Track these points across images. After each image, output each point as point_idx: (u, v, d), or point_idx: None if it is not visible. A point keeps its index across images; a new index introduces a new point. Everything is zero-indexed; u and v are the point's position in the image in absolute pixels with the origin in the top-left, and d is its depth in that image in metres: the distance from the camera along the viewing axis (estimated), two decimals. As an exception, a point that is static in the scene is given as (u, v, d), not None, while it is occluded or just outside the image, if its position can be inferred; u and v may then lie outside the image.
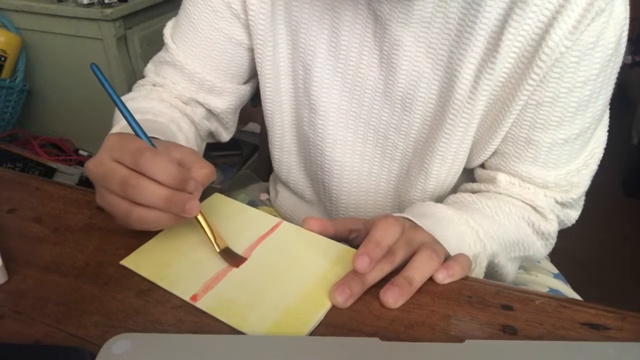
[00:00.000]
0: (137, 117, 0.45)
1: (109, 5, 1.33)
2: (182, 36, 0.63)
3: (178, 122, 0.60)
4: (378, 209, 0.66)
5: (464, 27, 0.51)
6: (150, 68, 0.67)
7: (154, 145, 0.44)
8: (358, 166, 0.64)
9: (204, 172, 0.44)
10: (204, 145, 0.71)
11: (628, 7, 0.49)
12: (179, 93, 0.64)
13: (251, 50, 0.63)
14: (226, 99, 0.66)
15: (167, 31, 0.65)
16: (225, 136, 0.73)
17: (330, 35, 0.57)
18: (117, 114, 0.61)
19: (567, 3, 0.46)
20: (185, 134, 0.60)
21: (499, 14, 0.49)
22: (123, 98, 0.62)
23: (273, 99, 0.64)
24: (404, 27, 0.53)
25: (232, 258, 0.45)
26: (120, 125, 0.55)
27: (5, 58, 1.45)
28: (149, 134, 0.46)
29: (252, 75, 0.68)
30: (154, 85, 0.65)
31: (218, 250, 0.45)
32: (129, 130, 0.46)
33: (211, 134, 0.72)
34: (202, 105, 0.66)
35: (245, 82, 0.68)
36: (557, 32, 0.47)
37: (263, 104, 0.65)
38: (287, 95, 0.64)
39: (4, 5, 1.46)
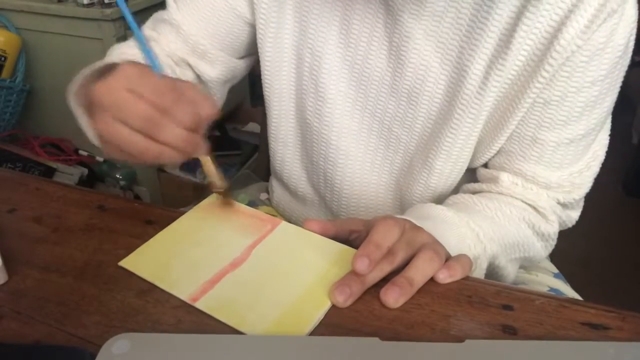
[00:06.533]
0: (123, 58, 0.46)
1: (109, 5, 1.33)
2: None
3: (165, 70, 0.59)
4: (380, 201, 0.66)
5: (475, 22, 0.51)
6: (147, 24, 0.67)
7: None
8: (362, 156, 0.63)
9: (209, 112, 0.44)
10: None
11: (637, 11, 0.49)
12: (172, 51, 0.63)
13: (252, 26, 0.63)
14: (217, 67, 0.65)
15: None
16: None
17: (341, 22, 0.57)
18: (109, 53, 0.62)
19: (580, 3, 0.46)
20: None
21: (511, 12, 0.49)
22: (116, 45, 0.63)
23: (272, 83, 0.63)
24: (415, 19, 0.53)
25: (226, 199, 0.51)
26: (118, 57, 0.55)
27: (5, 58, 1.45)
28: None
29: (250, 53, 0.68)
30: (149, 39, 0.64)
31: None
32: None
33: None
34: (192, 69, 0.65)
35: (241, 58, 0.68)
36: (569, 30, 0.47)
37: (263, 89, 0.64)
38: (288, 81, 0.63)
39: (4, 5, 1.46)
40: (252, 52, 0.67)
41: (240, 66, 0.68)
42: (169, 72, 0.60)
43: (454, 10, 0.51)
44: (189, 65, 0.64)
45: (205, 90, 0.68)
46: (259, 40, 0.61)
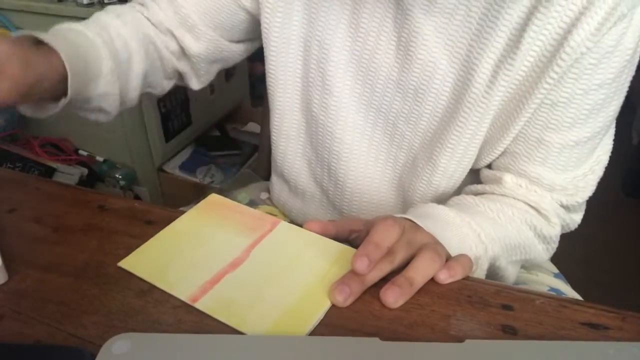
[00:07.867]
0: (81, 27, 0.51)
1: (109, 5, 1.33)
2: None
3: (128, 51, 0.59)
4: (382, 197, 0.66)
5: (485, 21, 0.51)
6: None
7: None
8: (366, 151, 0.63)
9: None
10: (169, 85, 0.70)
11: None
12: (159, 21, 0.64)
13: (249, 12, 0.63)
14: (202, 44, 0.65)
15: None
16: (195, 83, 0.71)
17: (351, 15, 0.57)
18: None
19: (591, 5, 0.46)
20: (121, 63, 0.58)
21: (522, 12, 0.49)
22: (109, 7, 0.64)
23: (276, 74, 0.63)
24: (425, 15, 0.53)
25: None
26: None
27: (5, 58, 1.45)
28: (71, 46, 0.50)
29: (247, 39, 0.68)
30: (142, 4, 0.65)
31: None
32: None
33: (180, 76, 0.70)
34: (177, 40, 0.65)
35: (234, 41, 0.68)
36: (579, 32, 0.47)
37: (267, 80, 0.65)
38: (294, 73, 0.63)
39: (4, 5, 1.46)
40: (248, 38, 0.68)
41: (233, 50, 0.68)
42: (135, 45, 0.60)
43: (464, 8, 0.52)
44: (174, 37, 0.65)
45: (190, 66, 0.69)
46: (264, 30, 0.61)
